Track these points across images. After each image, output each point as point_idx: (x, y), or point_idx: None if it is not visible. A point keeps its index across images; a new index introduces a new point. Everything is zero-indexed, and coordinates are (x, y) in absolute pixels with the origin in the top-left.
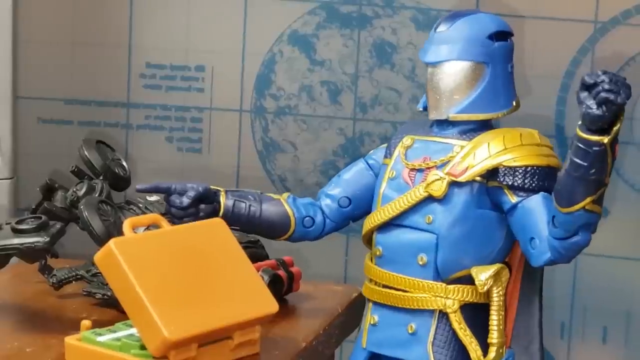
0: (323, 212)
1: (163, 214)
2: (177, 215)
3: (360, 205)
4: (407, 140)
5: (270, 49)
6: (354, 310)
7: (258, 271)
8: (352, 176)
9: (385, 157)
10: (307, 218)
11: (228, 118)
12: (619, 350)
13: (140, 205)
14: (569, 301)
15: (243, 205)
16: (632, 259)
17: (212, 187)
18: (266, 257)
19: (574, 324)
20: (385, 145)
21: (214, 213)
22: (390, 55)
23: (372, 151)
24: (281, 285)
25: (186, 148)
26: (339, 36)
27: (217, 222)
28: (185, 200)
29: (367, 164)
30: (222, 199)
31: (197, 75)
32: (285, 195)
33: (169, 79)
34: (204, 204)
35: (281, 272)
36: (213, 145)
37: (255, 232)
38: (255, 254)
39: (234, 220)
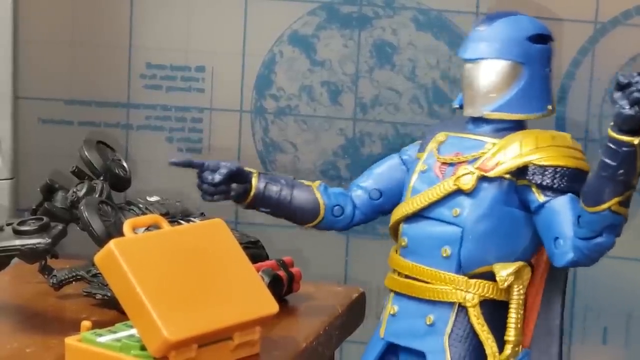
0: (353, 203)
1: (163, 215)
2: (207, 192)
3: (390, 199)
4: (440, 136)
5: (270, 50)
6: (354, 310)
7: (258, 272)
8: (385, 169)
9: (419, 151)
10: (336, 207)
11: (228, 118)
12: (620, 351)
13: (141, 206)
14: (570, 302)
15: (274, 188)
16: (633, 260)
17: (245, 168)
18: (266, 258)
19: (575, 324)
20: (419, 141)
21: (244, 193)
22: (391, 55)
23: (406, 147)
24: (281, 285)
25: (186, 148)
26: (339, 36)
27: (218, 223)
28: (217, 177)
29: (401, 159)
30: (254, 181)
31: (197, 75)
32: (317, 183)
33: (169, 80)
34: (236, 184)
35: (281, 273)
36: (213, 146)
37: (284, 217)
38: (256, 254)
39: (264, 202)
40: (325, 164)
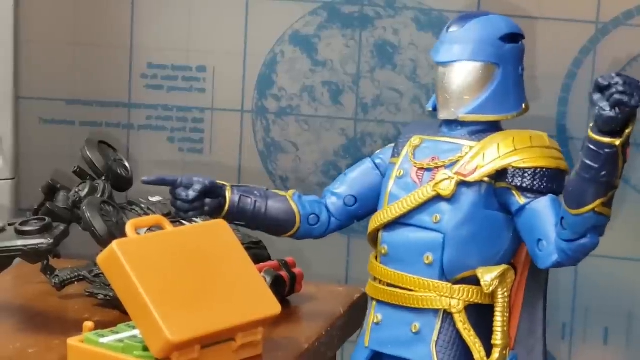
0: (328, 210)
1: (165, 215)
2: (182, 209)
3: (365, 205)
4: (415, 140)
5: (271, 50)
6: (356, 311)
7: (260, 272)
8: (358, 175)
9: (393, 156)
10: (312, 215)
11: (229, 118)
12: (621, 351)
13: (143, 206)
14: (571, 302)
15: (249, 200)
16: (633, 260)
17: (218, 182)
18: (268, 258)
19: (576, 324)
20: (392, 145)
21: (219, 208)
22: (392, 55)
23: (378, 151)
24: (283, 286)
25: (188, 148)
26: (341, 36)
27: (220, 223)
28: (191, 194)
29: (374, 163)
30: (228, 194)
31: (198, 75)
32: (291, 192)
33: (170, 80)
34: (210, 199)
35: (283, 273)
36: (214, 146)
37: (260, 229)
38: (258, 255)
39: (239, 215)
40: (326, 164)
